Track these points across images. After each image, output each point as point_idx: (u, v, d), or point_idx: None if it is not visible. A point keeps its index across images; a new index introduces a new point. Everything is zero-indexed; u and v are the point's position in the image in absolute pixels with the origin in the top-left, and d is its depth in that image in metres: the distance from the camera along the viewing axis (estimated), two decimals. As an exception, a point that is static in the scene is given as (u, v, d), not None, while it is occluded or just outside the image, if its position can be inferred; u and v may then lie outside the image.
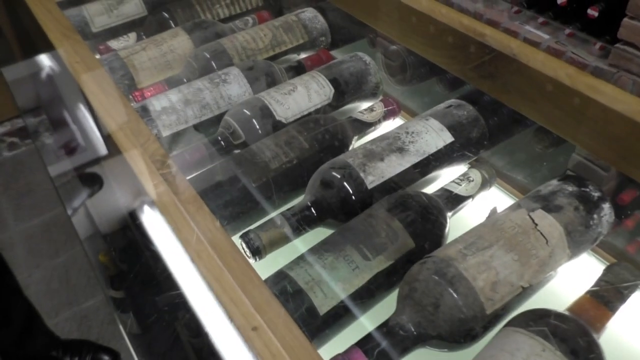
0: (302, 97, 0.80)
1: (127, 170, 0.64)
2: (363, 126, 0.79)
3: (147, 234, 0.66)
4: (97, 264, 1.34)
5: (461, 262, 0.53)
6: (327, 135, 0.74)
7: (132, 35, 1.01)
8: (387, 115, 0.81)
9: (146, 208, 0.66)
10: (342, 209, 0.66)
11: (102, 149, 1.05)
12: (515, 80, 0.66)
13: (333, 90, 0.82)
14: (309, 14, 0.99)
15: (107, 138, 0.70)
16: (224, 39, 0.93)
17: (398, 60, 0.91)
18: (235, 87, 0.83)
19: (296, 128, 0.74)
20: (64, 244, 2.02)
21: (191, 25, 0.98)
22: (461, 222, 0.68)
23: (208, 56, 0.90)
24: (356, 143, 0.78)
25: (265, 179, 0.69)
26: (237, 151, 0.78)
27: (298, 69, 0.91)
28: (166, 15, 1.03)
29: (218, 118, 0.82)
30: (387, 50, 0.93)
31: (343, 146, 0.74)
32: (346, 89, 0.83)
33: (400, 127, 0.73)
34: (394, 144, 0.70)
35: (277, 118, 0.77)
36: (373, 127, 0.80)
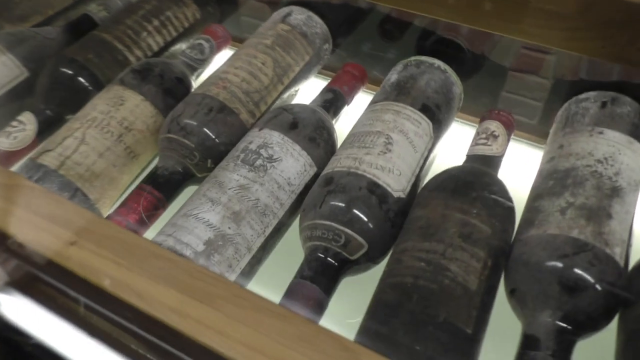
0: (406, 150, 0.52)
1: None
2: (496, 163, 0.55)
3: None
4: None
5: None
6: (491, 202, 0.48)
7: (28, 118, 0.60)
8: (509, 138, 0.58)
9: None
10: (604, 315, 0.42)
11: None
12: None
13: (431, 124, 0.55)
14: (299, 15, 0.68)
15: None
16: (211, 87, 0.58)
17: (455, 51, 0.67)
18: (289, 162, 0.52)
19: (453, 206, 0.46)
20: None
21: (132, 75, 0.60)
22: None
23: (197, 123, 0.55)
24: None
25: (476, 311, 0.41)
26: (356, 266, 0.48)
27: (337, 102, 0.61)
28: (68, 71, 0.62)
29: (281, 222, 0.51)
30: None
31: (507, 205, 0.50)
32: (439, 114, 0.57)
33: (578, 156, 0.50)
34: (602, 186, 0.47)
35: (395, 195, 0.49)
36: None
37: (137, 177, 0.60)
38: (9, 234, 0.33)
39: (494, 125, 0.57)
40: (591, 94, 0.57)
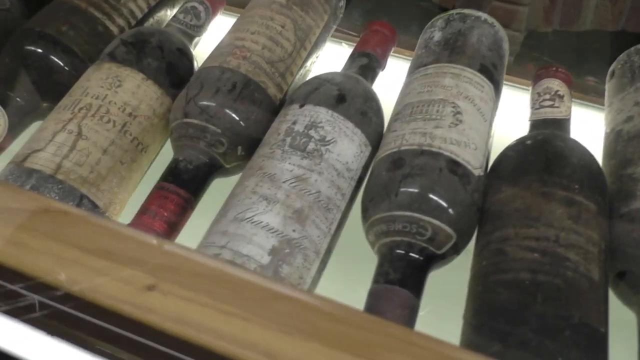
0: (476, 119, 0.45)
1: None
2: (568, 127, 0.49)
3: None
4: None
5: None
6: (588, 173, 0.42)
7: (-5, 110, 0.47)
8: (571, 98, 0.52)
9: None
10: None
11: None
12: None
13: (492, 86, 0.48)
14: (311, -33, 0.58)
15: None
16: (228, 59, 0.48)
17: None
18: (345, 143, 0.43)
19: (552, 182, 0.40)
20: None
21: (125, 49, 0.49)
22: None
23: (220, 103, 0.45)
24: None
25: (603, 306, 0.36)
26: (442, 260, 0.41)
27: (373, 67, 0.53)
28: (38, 49, 0.50)
29: (344, 216, 0.43)
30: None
31: (602, 175, 0.44)
32: (496, 75, 0.50)
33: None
34: (702, 146, 0.42)
35: (476, 173, 0.42)
36: (568, 122, 0.50)
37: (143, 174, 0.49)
38: (52, 284, 0.23)
39: (556, 84, 0.51)
40: (656, 45, 0.52)
